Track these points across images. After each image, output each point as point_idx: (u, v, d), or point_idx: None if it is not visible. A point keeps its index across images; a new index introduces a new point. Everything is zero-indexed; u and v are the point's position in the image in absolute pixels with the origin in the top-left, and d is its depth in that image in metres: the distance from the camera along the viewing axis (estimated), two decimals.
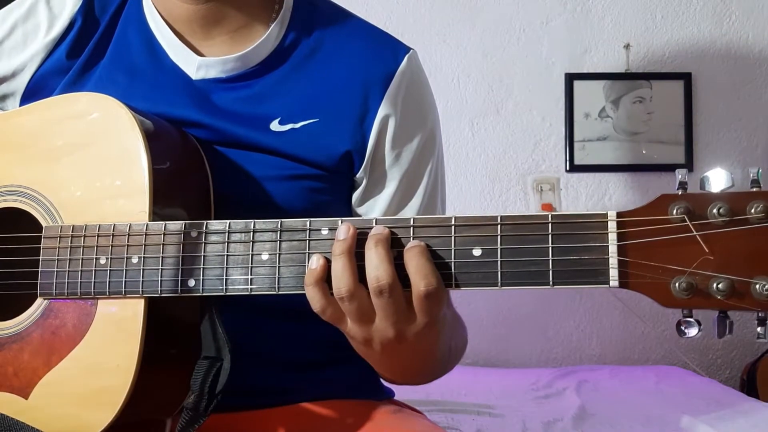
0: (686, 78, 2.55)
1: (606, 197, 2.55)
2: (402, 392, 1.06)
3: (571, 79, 2.56)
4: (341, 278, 0.72)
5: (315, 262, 0.73)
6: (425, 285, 0.70)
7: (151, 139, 0.83)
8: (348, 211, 1.00)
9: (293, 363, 0.98)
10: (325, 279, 0.73)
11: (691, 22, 2.58)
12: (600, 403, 1.91)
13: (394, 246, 0.72)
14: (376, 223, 0.73)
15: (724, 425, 1.66)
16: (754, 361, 2.37)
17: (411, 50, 1.00)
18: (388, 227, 0.73)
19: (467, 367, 2.33)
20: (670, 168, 2.48)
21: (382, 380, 1.02)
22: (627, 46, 2.56)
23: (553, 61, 2.57)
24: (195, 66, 0.96)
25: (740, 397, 2.01)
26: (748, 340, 2.42)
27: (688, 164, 2.52)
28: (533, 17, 2.58)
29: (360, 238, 0.73)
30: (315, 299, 0.74)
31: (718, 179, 0.65)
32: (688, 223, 0.64)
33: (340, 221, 0.74)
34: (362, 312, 0.73)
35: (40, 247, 0.85)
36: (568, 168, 2.55)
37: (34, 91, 1.00)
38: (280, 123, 0.93)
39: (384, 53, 0.98)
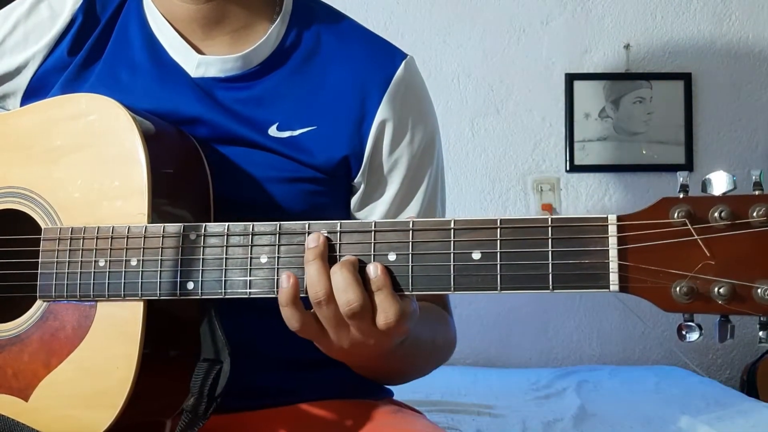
0: (686, 78, 2.55)
1: (606, 197, 2.55)
2: (402, 392, 1.06)
3: (571, 79, 2.55)
4: (318, 283, 0.72)
5: (286, 281, 0.73)
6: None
7: (150, 140, 0.83)
8: (346, 214, 0.99)
9: (293, 363, 0.98)
10: (299, 296, 0.73)
11: (691, 22, 2.57)
12: (600, 403, 1.91)
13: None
14: (375, 227, 0.73)
15: (724, 425, 1.66)
16: (754, 362, 2.37)
17: (408, 56, 0.99)
18: (386, 230, 0.72)
19: (467, 367, 2.33)
20: (671, 168, 2.47)
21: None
22: (627, 46, 2.56)
23: (553, 61, 2.57)
24: (194, 64, 0.95)
25: (740, 397, 2.01)
26: (749, 341, 2.41)
27: (688, 164, 2.51)
28: (533, 17, 2.57)
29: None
30: (293, 318, 0.74)
31: (719, 182, 0.64)
32: (690, 226, 0.63)
33: (339, 224, 0.74)
34: (340, 316, 0.73)
35: (39, 249, 0.85)
36: (568, 168, 2.55)
37: (35, 89, 1.00)
38: (278, 129, 0.93)
39: (382, 58, 0.98)
